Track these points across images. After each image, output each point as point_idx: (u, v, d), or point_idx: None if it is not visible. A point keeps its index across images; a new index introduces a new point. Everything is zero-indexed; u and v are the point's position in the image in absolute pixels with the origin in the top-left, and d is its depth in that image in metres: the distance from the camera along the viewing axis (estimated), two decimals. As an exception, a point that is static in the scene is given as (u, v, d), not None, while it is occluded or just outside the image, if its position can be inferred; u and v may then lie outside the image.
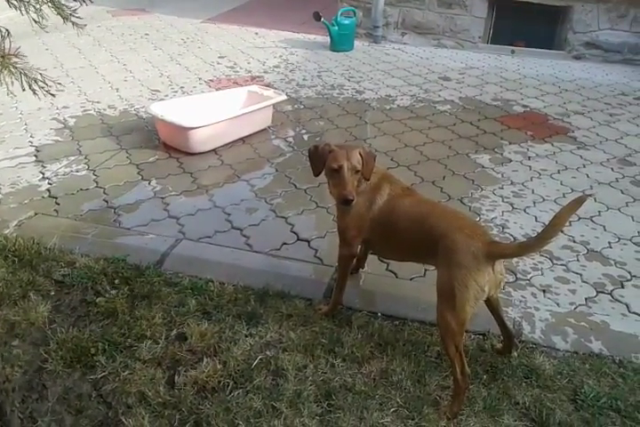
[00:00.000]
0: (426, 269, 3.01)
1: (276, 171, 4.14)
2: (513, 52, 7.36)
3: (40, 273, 2.92)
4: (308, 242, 3.29)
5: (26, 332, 2.57)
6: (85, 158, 4.21)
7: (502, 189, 3.91)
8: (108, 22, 8.57)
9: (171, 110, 4.37)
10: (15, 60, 1.57)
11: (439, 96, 5.75)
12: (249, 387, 2.29)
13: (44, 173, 3.99)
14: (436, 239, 2.20)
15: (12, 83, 1.80)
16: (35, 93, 1.69)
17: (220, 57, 6.90)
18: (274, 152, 4.44)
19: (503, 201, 3.75)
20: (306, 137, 4.73)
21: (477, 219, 3.52)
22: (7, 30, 1.71)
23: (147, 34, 7.95)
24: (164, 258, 3.10)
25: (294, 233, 3.38)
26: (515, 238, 3.34)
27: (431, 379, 2.34)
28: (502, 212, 3.62)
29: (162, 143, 4.48)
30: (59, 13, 1.76)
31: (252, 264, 3.12)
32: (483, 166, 4.23)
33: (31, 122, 4.86)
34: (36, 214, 3.47)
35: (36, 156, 4.25)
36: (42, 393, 2.29)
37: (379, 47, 7.63)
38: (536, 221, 3.53)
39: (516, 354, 2.48)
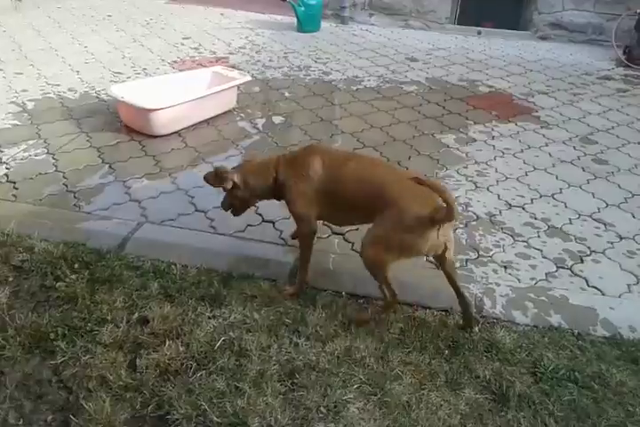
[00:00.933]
0: (390, 248, 3.03)
1: (241, 153, 4.09)
2: (479, 32, 7.37)
3: (-3, 259, 2.85)
4: (273, 223, 3.28)
5: (-18, 319, 2.51)
6: (45, 142, 4.10)
7: (466, 168, 3.94)
8: (69, 3, 8.32)
9: (132, 92, 4.27)
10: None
11: (406, 77, 5.74)
12: (212, 368, 2.28)
13: (1, 158, 3.87)
14: (389, 204, 2.30)
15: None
16: None
17: (184, 38, 6.76)
18: (239, 134, 4.39)
19: (467, 180, 3.78)
20: (272, 119, 4.68)
21: (441, 198, 3.54)
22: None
23: (109, 15, 7.74)
24: (126, 242, 3.05)
25: (259, 215, 3.35)
26: (478, 217, 3.37)
27: (394, 355, 2.36)
28: (466, 191, 3.65)
29: (123, 126, 4.38)
30: None
31: (215, 246, 3.09)
32: (448, 146, 4.25)
33: (-12, 107, 4.71)
34: (-8, 200, 3.38)
35: (-8, 140, 4.13)
36: (0, 380, 2.24)
37: (346, 28, 7.57)
38: (499, 199, 3.56)
39: (477, 329, 2.52)
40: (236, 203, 2.79)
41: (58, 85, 5.17)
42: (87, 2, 8.41)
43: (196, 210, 3.38)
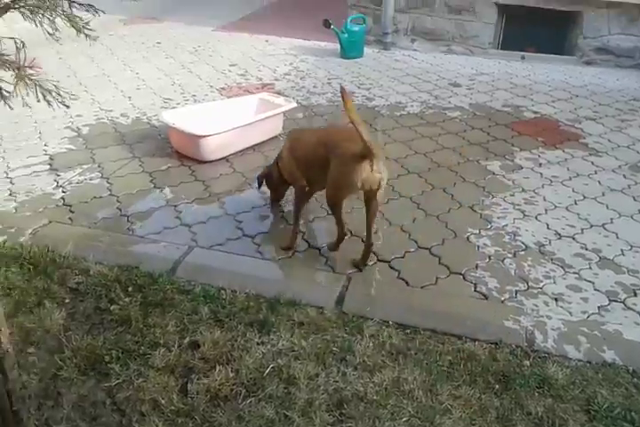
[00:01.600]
0: (437, 278, 3.02)
1: (287, 178, 4.15)
2: (523, 57, 7.35)
3: (55, 281, 2.95)
4: (319, 250, 3.31)
5: (41, 339, 2.60)
6: (99, 167, 4.26)
7: (513, 196, 3.90)
8: (121, 31, 8.65)
9: (182, 118, 4.41)
10: (30, 71, 1.61)
11: (449, 102, 5.76)
12: (261, 395, 2.30)
13: (58, 182, 4.04)
14: (331, 149, 2.97)
15: (28, 94, 1.84)
16: (49, 105, 1.74)
17: (231, 65, 6.95)
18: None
19: (514, 208, 3.75)
20: (316, 144, 4.75)
21: (489, 226, 3.53)
22: (22, 42, 1.75)
23: (159, 42, 8.02)
24: (177, 266, 3.12)
25: (305, 241, 3.39)
26: (526, 246, 3.33)
27: (443, 388, 2.34)
28: (514, 219, 3.61)
29: (174, 151, 4.52)
30: (72, 25, 1.80)
31: (263, 272, 3.14)
32: (494, 173, 4.23)
33: (45, 130, 4.92)
34: (50, 222, 3.51)
35: (50, 164, 4.30)
36: (57, 400, 2.31)
37: (388, 54, 7.65)
38: (548, 228, 3.52)
39: (528, 363, 2.48)
40: (272, 191, 3.72)
41: (111, 111, 5.37)
42: (137, 30, 8.74)
43: (244, 235, 3.44)
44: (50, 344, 2.58)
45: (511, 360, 2.50)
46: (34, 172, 4.18)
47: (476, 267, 3.14)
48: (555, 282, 3.04)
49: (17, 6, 1.53)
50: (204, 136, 4.22)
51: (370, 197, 2.96)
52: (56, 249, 3.19)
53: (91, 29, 2.06)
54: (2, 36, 1.79)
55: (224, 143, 4.36)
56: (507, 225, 3.55)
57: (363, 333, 2.64)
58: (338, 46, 7.40)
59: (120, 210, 3.68)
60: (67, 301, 2.85)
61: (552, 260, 3.22)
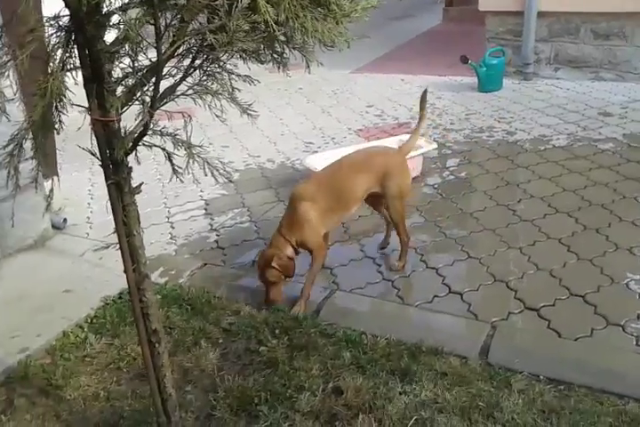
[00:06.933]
0: (592, 329, 2.80)
1: (425, 220, 4.14)
2: (685, 80, 6.72)
3: (210, 321, 3.18)
4: (461, 295, 3.23)
5: (197, 378, 2.79)
6: (248, 211, 4.56)
7: (679, 237, 3.54)
8: (267, 78, 9.23)
9: (325, 162, 4.59)
10: (199, 149, 1.80)
11: (600, 134, 5.39)
12: (405, 448, 2.27)
13: (212, 225, 4.38)
14: (377, 167, 3.48)
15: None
16: (217, 181, 1.93)
17: (367, 106, 7.13)
18: (421, 201, 4.44)
19: (681, 252, 3.39)
20: (455, 184, 4.69)
21: (651, 272, 3.23)
22: (190, 116, 1.93)
23: (300, 88, 8.47)
24: (320, 308, 3.23)
25: (446, 285, 3.33)
26: (699, 295, 2.99)
27: (604, 455, 2.15)
28: (681, 265, 3.27)
29: (315, 194, 4.70)
30: (240, 109, 1.99)
31: (403, 317, 3.14)
32: (655, 212, 3.88)
33: (200, 177, 5.36)
34: (205, 264, 3.81)
35: (205, 209, 4.69)
36: (210, 441, 2.46)
37: (529, 84, 7.39)
38: None
39: None
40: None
41: (258, 157, 5.74)
42: (281, 77, 9.31)
43: (384, 279, 3.47)
44: (205, 383, 2.76)
45: (685, 428, 2.23)
46: (191, 216, 4.58)
47: (638, 318, 2.87)
48: None
49: (189, 93, 1.73)
50: (344, 180, 4.35)
51: None
52: (211, 290, 3.44)
53: (254, 110, 2.25)
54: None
55: (363, 186, 4.45)
56: (672, 273, 3.22)
57: (511, 387, 2.51)
58: (475, 80, 7.30)
59: (267, 253, 3.89)
60: (220, 341, 3.05)
61: None
